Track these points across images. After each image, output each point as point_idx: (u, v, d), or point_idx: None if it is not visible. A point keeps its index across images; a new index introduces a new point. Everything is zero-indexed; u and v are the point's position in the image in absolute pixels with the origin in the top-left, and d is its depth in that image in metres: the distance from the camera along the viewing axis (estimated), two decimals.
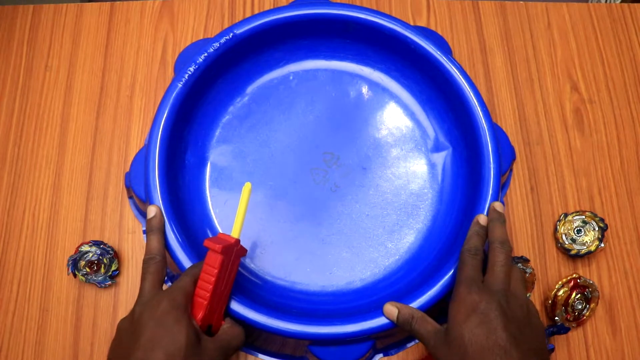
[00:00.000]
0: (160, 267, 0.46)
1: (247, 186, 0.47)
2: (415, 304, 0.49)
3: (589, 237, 0.57)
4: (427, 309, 0.49)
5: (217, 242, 0.45)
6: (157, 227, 0.49)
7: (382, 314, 0.48)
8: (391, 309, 0.48)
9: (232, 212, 0.56)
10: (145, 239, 0.55)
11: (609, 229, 0.59)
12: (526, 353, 0.41)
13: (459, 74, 0.55)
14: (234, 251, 0.46)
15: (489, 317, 0.42)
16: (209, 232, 0.55)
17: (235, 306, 0.48)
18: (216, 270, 0.44)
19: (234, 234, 0.47)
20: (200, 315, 0.44)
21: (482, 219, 0.50)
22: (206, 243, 0.44)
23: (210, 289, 0.44)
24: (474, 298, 0.43)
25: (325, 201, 0.57)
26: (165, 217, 0.50)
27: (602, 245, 0.57)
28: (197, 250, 0.50)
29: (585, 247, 0.57)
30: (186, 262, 0.49)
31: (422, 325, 0.46)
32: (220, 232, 0.48)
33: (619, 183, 0.62)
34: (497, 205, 0.51)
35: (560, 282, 0.55)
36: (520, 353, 0.41)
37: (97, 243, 0.56)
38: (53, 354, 0.55)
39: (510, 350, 0.41)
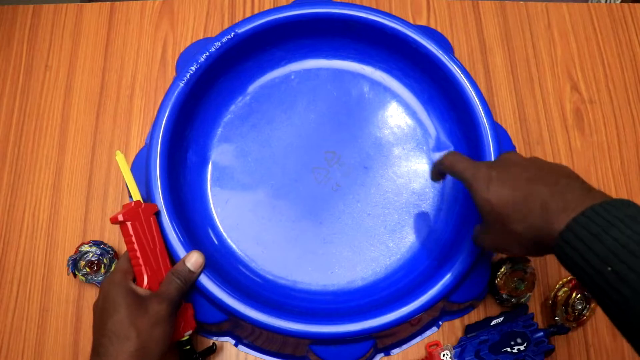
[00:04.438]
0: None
1: (119, 154, 0.50)
2: (417, 303, 0.49)
3: None
4: (428, 308, 0.49)
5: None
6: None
7: (383, 313, 0.48)
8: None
9: (233, 211, 0.56)
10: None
11: None
12: (555, 180, 0.39)
13: (460, 72, 0.55)
14: (139, 212, 0.48)
15: (505, 176, 0.41)
16: (210, 231, 0.55)
17: (237, 305, 0.48)
18: (132, 237, 0.47)
19: (134, 198, 0.50)
20: (143, 280, 0.47)
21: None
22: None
23: (137, 255, 0.47)
24: (484, 172, 0.42)
25: (326, 200, 0.57)
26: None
27: None
28: (198, 249, 0.50)
29: None
30: None
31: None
32: (143, 204, 0.50)
33: (619, 183, 0.62)
34: None
35: (560, 282, 0.55)
36: (551, 179, 0.39)
37: (97, 243, 0.56)
38: (53, 354, 0.55)
39: (539, 179, 0.39)
